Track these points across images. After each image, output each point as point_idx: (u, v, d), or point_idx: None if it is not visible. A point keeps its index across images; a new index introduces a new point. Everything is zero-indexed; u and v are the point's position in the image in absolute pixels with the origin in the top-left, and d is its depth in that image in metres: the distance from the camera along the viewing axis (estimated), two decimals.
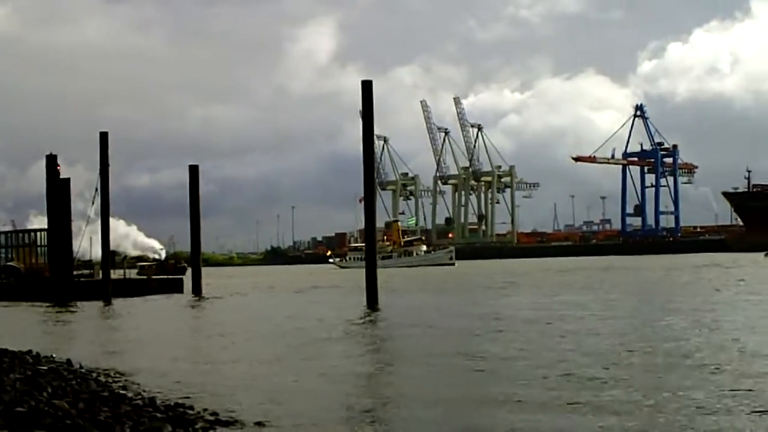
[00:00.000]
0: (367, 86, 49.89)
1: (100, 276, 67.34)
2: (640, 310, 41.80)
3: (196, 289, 70.00)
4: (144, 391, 19.19)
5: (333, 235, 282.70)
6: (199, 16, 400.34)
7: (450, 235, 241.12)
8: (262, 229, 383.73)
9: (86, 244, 72.00)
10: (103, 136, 63.21)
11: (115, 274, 69.82)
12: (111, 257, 67.55)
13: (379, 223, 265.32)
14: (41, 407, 14.58)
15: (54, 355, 25.93)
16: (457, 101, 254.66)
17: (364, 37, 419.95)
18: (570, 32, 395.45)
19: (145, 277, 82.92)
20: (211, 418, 16.03)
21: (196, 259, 73.91)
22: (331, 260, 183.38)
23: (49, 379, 17.69)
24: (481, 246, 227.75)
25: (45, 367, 20.41)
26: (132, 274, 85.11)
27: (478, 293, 62.37)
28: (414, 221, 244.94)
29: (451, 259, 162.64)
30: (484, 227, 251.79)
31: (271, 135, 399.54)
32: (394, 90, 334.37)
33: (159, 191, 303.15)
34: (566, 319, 37.48)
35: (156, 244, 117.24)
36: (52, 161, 66.50)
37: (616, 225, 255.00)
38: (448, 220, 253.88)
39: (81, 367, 23.02)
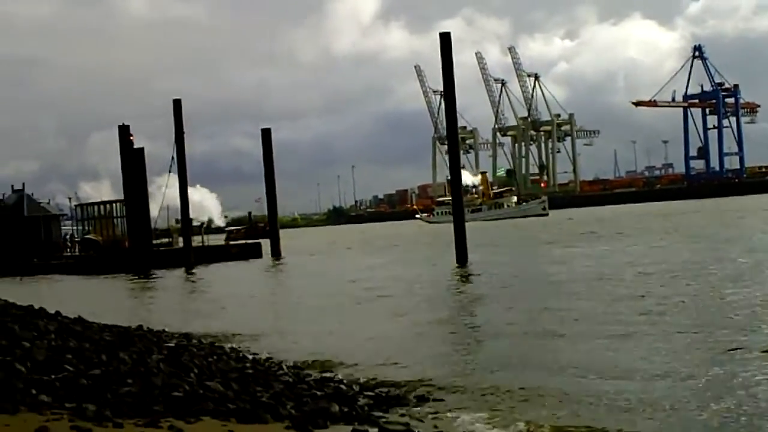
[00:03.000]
0: (445, 38, 48.63)
1: (180, 244, 66.99)
2: None
3: (276, 252, 69.57)
4: (284, 364, 18.39)
5: (394, 192, 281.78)
6: None
7: (543, 185, 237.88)
8: (322, 189, 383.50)
9: (164, 211, 71.88)
10: (177, 104, 62.56)
11: (194, 241, 69.25)
12: (190, 224, 66.91)
13: (440, 178, 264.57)
14: (196, 390, 13.77)
15: (166, 329, 25.23)
16: (512, 51, 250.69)
17: None
18: None
19: (232, 242, 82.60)
20: (371, 393, 15.23)
21: (274, 222, 73.56)
22: (417, 215, 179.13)
23: (188, 358, 16.88)
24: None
25: (172, 344, 19.63)
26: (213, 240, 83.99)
27: (591, 243, 58.72)
28: (503, 172, 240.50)
29: (544, 209, 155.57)
30: (545, 177, 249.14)
31: (321, 97, 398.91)
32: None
33: (216, 157, 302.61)
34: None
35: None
36: (124, 132, 66.02)
37: (679, 169, 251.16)
38: (509, 172, 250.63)
39: (201, 342, 22.27)
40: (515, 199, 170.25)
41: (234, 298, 38.75)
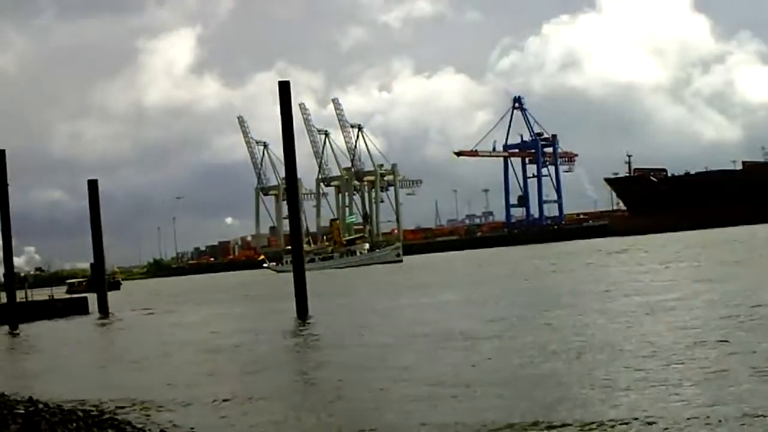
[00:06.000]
0: (284, 87, 47.85)
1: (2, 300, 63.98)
2: None
3: (103, 309, 66.43)
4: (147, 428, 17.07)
5: (216, 243, 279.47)
6: (55, 33, 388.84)
7: (394, 232, 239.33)
8: (141, 242, 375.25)
9: None
10: (0, 154, 59.76)
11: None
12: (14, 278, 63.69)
13: (264, 229, 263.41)
14: None
15: (5, 393, 23.30)
16: (335, 102, 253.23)
17: (220, 47, 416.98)
18: (426, 33, 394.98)
19: (74, 294, 79.64)
20: None
21: (101, 276, 70.34)
22: (265, 265, 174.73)
23: (47, 426, 15.38)
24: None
25: (21, 410, 17.98)
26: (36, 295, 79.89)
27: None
28: (354, 219, 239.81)
29: (398, 255, 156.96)
30: (369, 226, 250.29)
31: (136, 148, 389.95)
32: (258, 96, 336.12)
33: (30, 210, 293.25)
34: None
35: None
36: None
37: (499, 217, 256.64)
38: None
39: (49, 406, 20.48)
40: (367, 246, 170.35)
41: (69, 359, 36.96)
